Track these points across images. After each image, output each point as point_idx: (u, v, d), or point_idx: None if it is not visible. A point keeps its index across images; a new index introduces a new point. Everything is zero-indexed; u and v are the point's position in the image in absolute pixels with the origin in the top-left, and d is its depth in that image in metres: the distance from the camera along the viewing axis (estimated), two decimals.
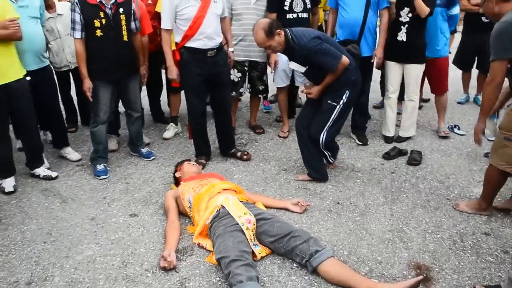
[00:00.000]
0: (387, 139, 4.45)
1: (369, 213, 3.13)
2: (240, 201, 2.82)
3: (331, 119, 3.40)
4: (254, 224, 2.64)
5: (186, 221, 3.02)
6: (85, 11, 3.45)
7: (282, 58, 4.23)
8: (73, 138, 4.70)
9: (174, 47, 3.78)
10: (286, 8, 4.19)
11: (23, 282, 2.46)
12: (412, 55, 4.13)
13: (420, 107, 5.12)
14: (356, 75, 3.41)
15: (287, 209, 3.14)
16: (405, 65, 4.20)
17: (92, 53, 3.57)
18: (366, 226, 2.96)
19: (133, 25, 3.74)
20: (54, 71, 4.25)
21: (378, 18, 4.19)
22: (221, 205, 2.74)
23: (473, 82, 5.77)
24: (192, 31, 3.58)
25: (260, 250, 2.60)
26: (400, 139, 4.44)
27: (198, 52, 3.65)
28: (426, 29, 4.13)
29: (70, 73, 4.67)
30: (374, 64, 4.28)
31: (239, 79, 4.50)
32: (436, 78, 4.47)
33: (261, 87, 4.64)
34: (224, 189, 2.95)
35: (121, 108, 4.26)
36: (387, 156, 4.05)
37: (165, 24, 3.62)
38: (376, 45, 4.24)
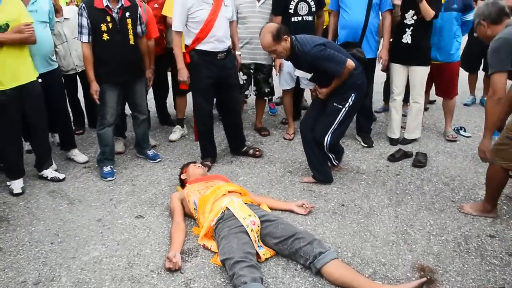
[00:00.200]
0: (392, 141, 4.46)
1: (374, 215, 3.14)
2: (245, 203, 2.84)
3: (336, 122, 3.42)
4: (258, 226, 2.65)
5: (192, 223, 3.04)
6: (92, 16, 3.49)
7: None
8: (80, 140, 4.75)
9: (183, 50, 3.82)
10: (291, 11, 4.21)
11: (31, 282, 2.50)
12: (417, 58, 4.14)
13: (426, 109, 5.13)
14: (362, 78, 3.43)
15: (291, 211, 3.15)
16: (410, 67, 4.21)
17: (99, 57, 3.61)
18: (370, 228, 2.96)
19: (139, 29, 3.78)
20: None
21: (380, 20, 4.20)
22: (226, 207, 2.76)
23: (480, 83, 5.75)
24: (203, 34, 3.62)
25: (264, 252, 2.62)
26: (405, 141, 4.44)
27: (208, 54, 3.69)
28: (440, 33, 4.13)
29: (77, 76, 4.72)
30: (380, 67, 4.28)
31: (245, 81, 4.52)
32: (447, 82, 4.44)
33: (266, 90, 4.66)
34: (229, 191, 2.97)
35: (128, 111, 4.30)
36: (392, 158, 4.05)
37: (176, 26, 3.65)
38: (380, 48, 4.24)
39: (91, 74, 3.62)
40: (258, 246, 2.61)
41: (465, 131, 4.70)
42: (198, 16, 3.59)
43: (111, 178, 3.80)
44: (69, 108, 4.51)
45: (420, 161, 3.93)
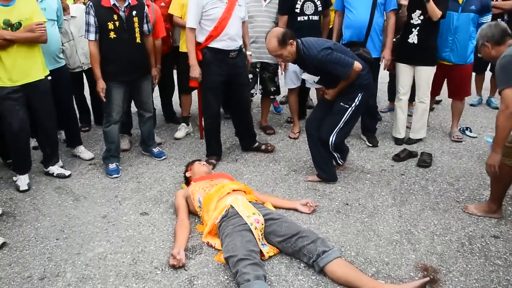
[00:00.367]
0: (397, 141, 4.45)
1: (378, 214, 3.14)
2: (249, 201, 2.85)
3: (342, 121, 3.42)
4: (262, 224, 2.67)
5: (196, 220, 3.06)
6: (99, 14, 3.52)
7: None
8: (86, 138, 4.78)
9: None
10: (297, 10, 4.21)
11: (36, 278, 2.52)
12: (423, 58, 4.13)
13: (432, 109, 5.10)
14: (369, 79, 3.43)
15: (295, 210, 3.16)
16: (416, 67, 4.20)
17: (106, 55, 3.63)
18: (374, 228, 2.96)
19: (145, 27, 3.80)
20: None
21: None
22: (230, 205, 2.77)
23: (486, 84, 5.73)
24: (217, 32, 3.66)
25: (268, 250, 2.63)
26: (410, 141, 4.43)
27: (221, 52, 3.73)
28: (455, 34, 4.10)
29: (84, 74, 4.75)
30: (382, 66, 4.27)
31: (251, 80, 4.53)
32: (458, 84, 4.40)
33: (272, 89, 4.67)
34: (233, 190, 2.98)
35: (134, 108, 4.32)
36: (397, 158, 4.05)
37: (190, 23, 3.68)
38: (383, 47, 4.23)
39: (97, 72, 3.64)
40: (262, 244, 2.62)
41: (470, 131, 4.69)
42: (213, 14, 3.63)
43: (116, 175, 3.83)
44: (75, 106, 4.54)
45: (425, 161, 3.92)
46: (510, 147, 2.78)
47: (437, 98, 5.48)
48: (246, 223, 2.63)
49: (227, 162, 4.11)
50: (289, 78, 4.57)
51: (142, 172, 3.95)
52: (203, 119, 4.24)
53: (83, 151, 4.25)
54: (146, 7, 3.79)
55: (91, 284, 2.45)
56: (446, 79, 4.47)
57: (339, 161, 3.69)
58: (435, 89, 4.52)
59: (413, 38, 4.09)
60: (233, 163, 4.09)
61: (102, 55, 3.63)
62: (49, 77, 3.65)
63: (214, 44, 3.71)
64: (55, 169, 3.85)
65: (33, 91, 3.47)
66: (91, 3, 3.53)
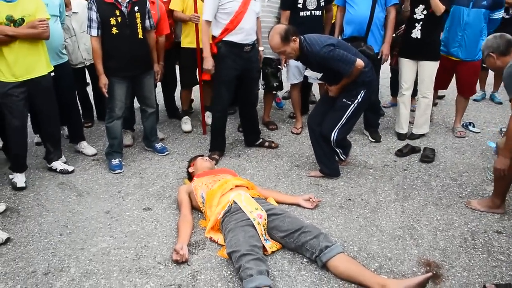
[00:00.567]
0: (400, 136, 4.44)
1: (380, 209, 3.14)
2: (252, 197, 2.86)
3: (344, 118, 3.41)
4: (265, 219, 2.67)
5: (199, 216, 3.07)
6: (101, 10, 3.51)
7: None
8: (89, 133, 4.79)
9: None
10: (300, 5, 4.20)
11: (40, 273, 2.54)
12: (427, 52, 4.11)
13: (435, 104, 5.09)
14: (372, 76, 3.42)
15: (298, 205, 3.16)
16: (419, 62, 4.18)
17: (108, 50, 3.63)
18: (377, 223, 2.97)
19: (147, 23, 3.79)
20: None
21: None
22: (233, 201, 2.78)
23: (490, 79, 5.70)
24: (233, 25, 3.68)
25: (271, 245, 2.63)
26: (413, 136, 4.43)
27: (236, 46, 3.75)
28: (465, 29, 4.06)
29: (86, 70, 4.75)
30: (382, 61, 4.25)
31: None
32: (465, 81, 4.37)
33: (275, 84, 4.67)
34: (236, 186, 2.99)
35: (136, 104, 4.32)
36: (400, 153, 4.04)
37: (207, 16, 3.70)
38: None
39: (100, 68, 3.64)
40: (265, 239, 2.62)
41: (474, 126, 4.67)
42: (229, 7, 3.65)
43: (119, 171, 3.84)
44: (78, 101, 4.54)
45: (428, 156, 3.91)
46: None
47: (440, 93, 5.48)
48: (249, 219, 2.63)
49: (230, 158, 4.12)
50: (291, 73, 4.56)
51: (145, 167, 3.95)
52: (212, 112, 4.22)
53: (86, 147, 4.26)
54: (148, 2, 3.78)
55: (94, 279, 2.47)
56: (455, 75, 4.44)
57: (341, 157, 3.69)
58: (443, 84, 4.50)
59: (416, 33, 4.08)
60: (236, 159, 4.09)
61: (104, 50, 3.63)
62: (52, 73, 3.65)
63: (229, 38, 3.73)
64: (58, 164, 3.86)
65: (35, 87, 3.48)
66: None
